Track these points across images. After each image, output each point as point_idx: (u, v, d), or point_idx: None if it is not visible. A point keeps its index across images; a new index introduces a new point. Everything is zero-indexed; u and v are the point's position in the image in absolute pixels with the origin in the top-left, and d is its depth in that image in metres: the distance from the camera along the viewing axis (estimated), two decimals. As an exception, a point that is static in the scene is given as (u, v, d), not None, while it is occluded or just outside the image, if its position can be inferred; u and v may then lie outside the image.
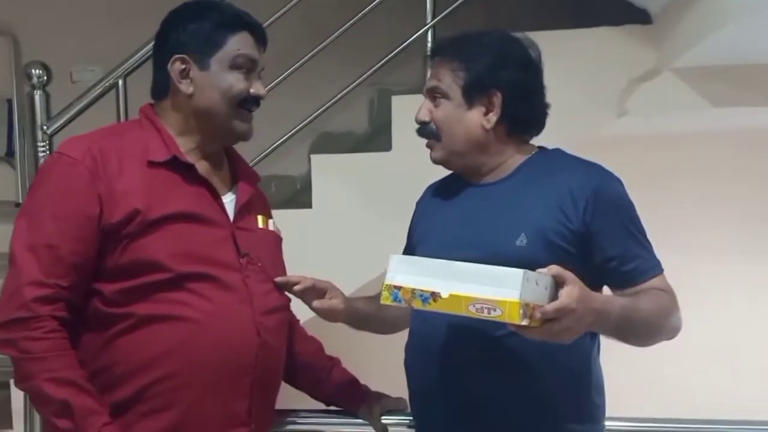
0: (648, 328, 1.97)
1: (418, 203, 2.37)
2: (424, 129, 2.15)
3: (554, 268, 1.75)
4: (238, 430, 2.11)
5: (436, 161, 2.18)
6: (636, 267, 2.02)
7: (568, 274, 1.75)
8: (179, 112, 2.14)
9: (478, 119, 2.09)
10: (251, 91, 2.12)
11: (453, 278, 1.72)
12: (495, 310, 1.65)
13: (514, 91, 2.08)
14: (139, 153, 2.06)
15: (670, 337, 2.04)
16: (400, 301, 1.77)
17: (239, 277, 2.09)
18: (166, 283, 2.00)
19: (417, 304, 1.75)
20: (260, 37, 2.16)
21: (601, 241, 2.00)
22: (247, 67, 2.11)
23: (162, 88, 2.16)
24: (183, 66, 2.10)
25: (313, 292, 2.17)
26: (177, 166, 2.08)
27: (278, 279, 2.17)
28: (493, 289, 1.66)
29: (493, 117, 2.09)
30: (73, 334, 2.00)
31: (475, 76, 2.08)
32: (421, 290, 1.74)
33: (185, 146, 2.12)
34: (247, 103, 2.13)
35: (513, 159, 2.14)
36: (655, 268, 2.04)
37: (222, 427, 2.08)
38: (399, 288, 1.78)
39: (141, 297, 2.00)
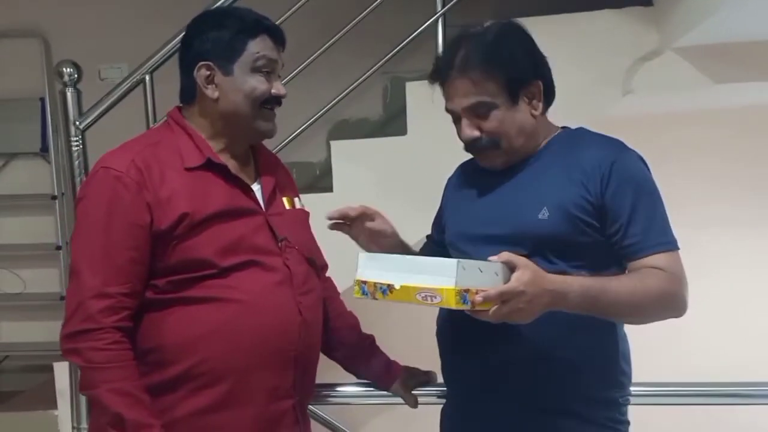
0: (620, 309, 1.94)
1: (448, 181, 2.36)
2: (476, 144, 2.09)
3: (504, 255, 1.81)
4: (284, 402, 2.16)
5: (493, 167, 2.13)
6: (635, 242, 1.98)
7: (519, 260, 1.80)
8: (207, 116, 2.16)
9: (527, 111, 2.07)
10: (273, 91, 2.15)
11: (405, 271, 1.82)
12: (436, 297, 1.74)
13: (543, 72, 2.09)
14: (175, 160, 2.09)
15: (674, 316, 2.00)
16: (366, 294, 1.87)
17: (280, 260, 2.14)
18: (213, 274, 2.05)
19: (379, 296, 1.85)
20: (279, 39, 2.18)
21: (611, 214, 1.99)
22: (268, 69, 2.14)
23: (189, 93, 2.18)
24: (208, 72, 2.13)
25: (365, 217, 2.20)
26: (211, 166, 2.11)
27: (332, 212, 2.20)
28: (433, 278, 1.75)
29: (538, 104, 2.08)
30: None
31: (513, 73, 2.03)
32: (381, 283, 1.84)
33: (216, 147, 2.15)
34: (269, 103, 2.16)
35: (541, 137, 2.13)
36: (658, 246, 1.98)
37: (268, 400, 2.12)
38: (365, 282, 1.87)
39: (190, 285, 2.04)
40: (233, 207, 2.10)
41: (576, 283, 1.88)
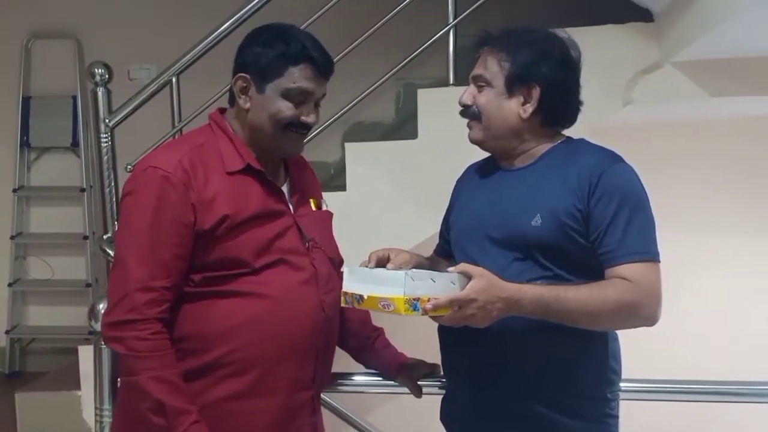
0: (573, 316, 1.93)
1: (458, 181, 2.36)
2: (467, 111, 2.14)
3: (460, 266, 1.89)
4: (304, 393, 2.17)
5: (473, 141, 2.16)
6: (609, 251, 1.96)
7: (475, 270, 1.86)
8: (241, 123, 2.15)
9: (516, 108, 2.08)
10: (301, 118, 2.10)
11: (371, 282, 1.90)
12: (390, 306, 1.82)
13: (551, 87, 2.06)
14: (218, 163, 2.08)
15: (642, 325, 1.98)
16: (348, 303, 1.95)
17: (307, 260, 2.14)
18: (247, 272, 2.06)
19: (356, 305, 1.93)
20: (323, 69, 2.11)
21: (592, 222, 1.98)
22: (300, 99, 2.09)
23: (232, 96, 2.17)
24: (244, 84, 2.10)
25: (382, 261, 2.12)
26: (249, 170, 2.11)
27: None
28: (389, 289, 1.84)
29: (529, 108, 2.07)
30: None
31: (518, 69, 2.06)
32: (355, 294, 1.92)
33: (253, 153, 2.14)
34: (294, 127, 2.12)
35: (541, 146, 2.12)
36: (631, 256, 1.95)
37: (290, 391, 2.13)
38: (346, 293, 1.95)
39: (225, 281, 2.05)
40: (267, 210, 2.10)
41: (530, 291, 1.90)
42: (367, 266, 2.05)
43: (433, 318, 1.86)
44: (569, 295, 1.92)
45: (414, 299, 1.80)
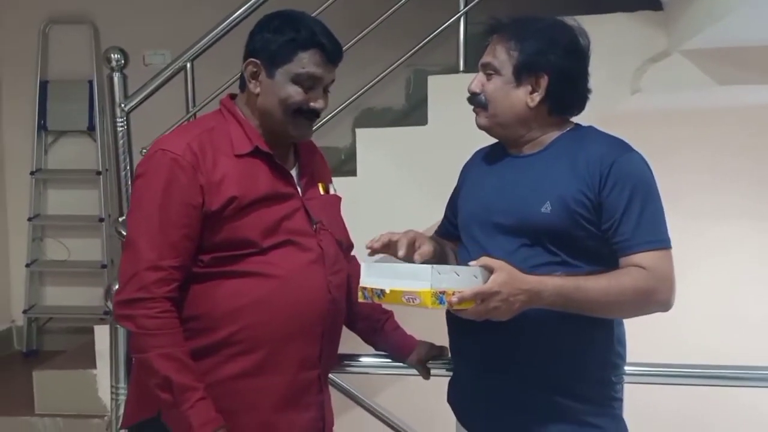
0: (594, 306, 1.95)
1: (465, 165, 2.35)
2: (474, 98, 2.13)
3: (482, 260, 1.89)
4: (310, 372, 2.18)
5: (480, 127, 2.15)
6: (624, 240, 1.97)
7: (495, 263, 1.87)
8: (251, 107, 2.17)
9: (523, 97, 2.07)
10: (310, 104, 2.12)
11: (393, 277, 1.89)
12: (416, 299, 1.82)
13: (559, 76, 2.05)
14: (227, 146, 2.10)
15: (658, 311, 1.99)
16: (367, 298, 1.94)
17: (314, 241, 2.16)
18: (255, 252, 2.07)
19: (376, 299, 1.92)
20: (332, 56, 2.13)
21: (606, 211, 1.98)
22: (309, 84, 2.11)
23: (243, 81, 2.18)
24: (254, 69, 2.13)
25: (405, 247, 2.11)
26: (258, 153, 2.12)
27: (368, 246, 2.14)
28: (414, 282, 1.83)
29: (537, 96, 2.06)
30: None
31: (526, 58, 2.05)
32: (376, 288, 1.91)
33: (262, 137, 2.16)
34: (303, 113, 2.13)
35: (549, 134, 2.11)
36: (645, 245, 1.96)
37: (297, 369, 2.15)
38: (365, 288, 1.94)
39: (233, 261, 2.07)
40: (275, 192, 2.12)
41: (550, 283, 1.90)
42: (375, 245, 2.07)
43: (457, 311, 1.87)
44: (588, 285, 1.92)
45: (440, 292, 1.81)
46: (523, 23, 2.11)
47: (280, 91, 2.10)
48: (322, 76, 2.12)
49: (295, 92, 2.10)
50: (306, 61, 2.09)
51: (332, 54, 2.13)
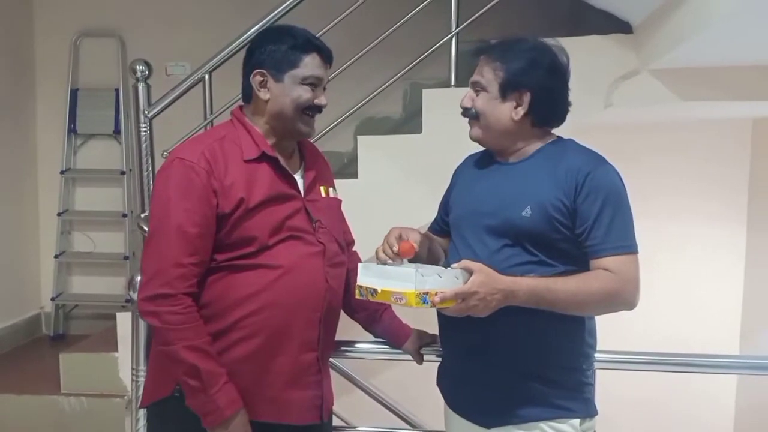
0: (564, 305, 1.96)
1: (457, 169, 2.37)
2: (467, 112, 2.16)
3: (463, 263, 1.91)
4: (309, 354, 2.19)
5: (473, 138, 2.18)
6: (595, 244, 1.98)
7: (475, 265, 1.90)
8: (260, 115, 2.20)
9: (508, 111, 2.08)
10: (315, 101, 2.17)
11: (385, 278, 1.90)
12: (403, 299, 1.84)
13: (540, 93, 2.07)
14: (237, 153, 2.12)
15: (622, 309, 2.01)
16: (363, 295, 1.95)
17: (314, 238, 2.17)
18: (261, 248, 2.09)
19: (370, 297, 1.93)
20: (327, 57, 2.20)
21: (579, 217, 1.99)
22: (314, 83, 2.16)
23: (247, 94, 2.22)
24: (261, 79, 2.16)
25: (396, 242, 2.10)
26: (265, 158, 2.14)
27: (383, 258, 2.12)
28: (401, 284, 1.85)
29: (521, 111, 2.08)
30: None
31: (510, 77, 2.07)
32: (370, 287, 1.93)
33: (269, 142, 2.18)
34: (311, 110, 2.18)
35: (533, 144, 2.13)
36: (614, 249, 1.97)
37: (298, 352, 2.16)
38: (361, 287, 1.95)
39: (242, 257, 2.09)
40: (279, 193, 2.13)
41: (524, 283, 1.92)
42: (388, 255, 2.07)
43: (440, 310, 1.90)
44: (558, 287, 1.94)
45: (424, 293, 1.83)
46: (507, 45, 2.13)
47: (291, 92, 2.14)
48: (322, 77, 2.19)
49: (304, 92, 2.15)
50: (310, 65, 2.15)
51: (327, 55, 2.20)
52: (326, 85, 2.23)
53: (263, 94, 2.16)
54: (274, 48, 2.15)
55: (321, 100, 2.18)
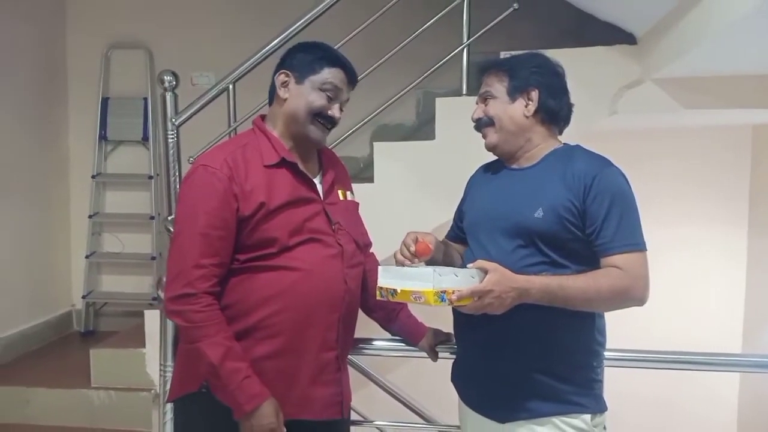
0: (575, 302, 1.95)
1: (470, 178, 2.37)
2: (479, 123, 2.18)
3: (478, 262, 1.91)
4: (329, 353, 2.19)
5: (489, 145, 2.19)
6: (604, 242, 1.97)
7: (490, 265, 1.90)
8: (278, 116, 2.20)
9: (520, 109, 2.11)
10: (329, 112, 2.17)
11: (403, 279, 1.91)
12: (421, 298, 1.85)
13: (546, 90, 2.11)
14: (257, 159, 2.13)
15: (633, 305, 2.00)
16: (383, 296, 1.95)
17: (334, 240, 2.16)
18: (282, 250, 2.09)
19: (390, 297, 1.93)
20: (351, 76, 2.20)
21: (589, 218, 1.99)
22: (332, 94, 2.16)
23: (271, 94, 2.23)
24: (285, 79, 2.17)
25: (413, 244, 2.12)
26: (284, 163, 2.15)
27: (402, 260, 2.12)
28: (419, 284, 1.86)
29: (531, 107, 2.10)
30: None
31: (516, 79, 2.11)
32: (390, 288, 1.93)
33: (287, 145, 2.19)
34: (322, 118, 2.17)
35: (542, 149, 2.13)
36: (623, 247, 1.97)
37: (318, 351, 2.15)
38: (381, 288, 1.95)
39: (264, 258, 2.08)
40: (298, 197, 2.13)
41: (537, 281, 1.92)
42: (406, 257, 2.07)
43: (457, 307, 1.90)
44: (570, 284, 1.94)
45: (441, 291, 1.83)
46: (508, 59, 2.19)
47: (307, 95, 2.15)
48: (342, 89, 2.18)
49: (319, 98, 2.15)
50: (332, 75, 2.15)
51: (351, 75, 2.20)
52: (345, 103, 2.22)
53: (283, 93, 2.18)
54: (304, 56, 2.17)
55: (334, 111, 2.18)
